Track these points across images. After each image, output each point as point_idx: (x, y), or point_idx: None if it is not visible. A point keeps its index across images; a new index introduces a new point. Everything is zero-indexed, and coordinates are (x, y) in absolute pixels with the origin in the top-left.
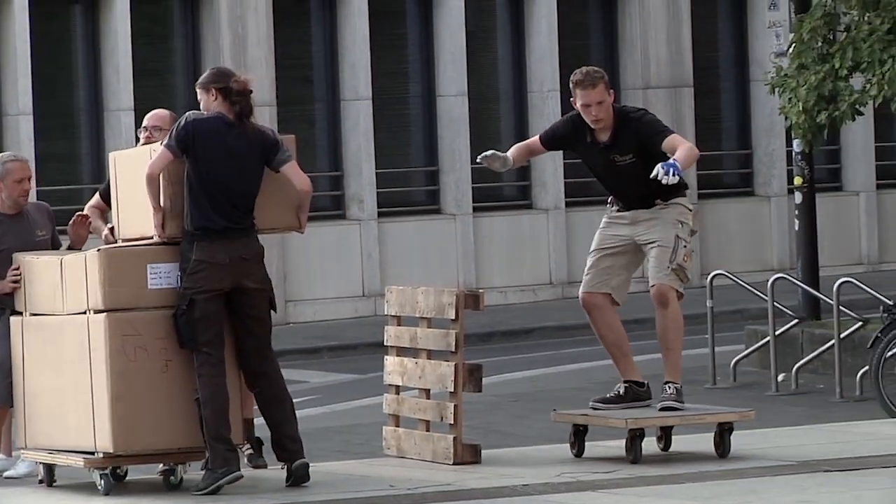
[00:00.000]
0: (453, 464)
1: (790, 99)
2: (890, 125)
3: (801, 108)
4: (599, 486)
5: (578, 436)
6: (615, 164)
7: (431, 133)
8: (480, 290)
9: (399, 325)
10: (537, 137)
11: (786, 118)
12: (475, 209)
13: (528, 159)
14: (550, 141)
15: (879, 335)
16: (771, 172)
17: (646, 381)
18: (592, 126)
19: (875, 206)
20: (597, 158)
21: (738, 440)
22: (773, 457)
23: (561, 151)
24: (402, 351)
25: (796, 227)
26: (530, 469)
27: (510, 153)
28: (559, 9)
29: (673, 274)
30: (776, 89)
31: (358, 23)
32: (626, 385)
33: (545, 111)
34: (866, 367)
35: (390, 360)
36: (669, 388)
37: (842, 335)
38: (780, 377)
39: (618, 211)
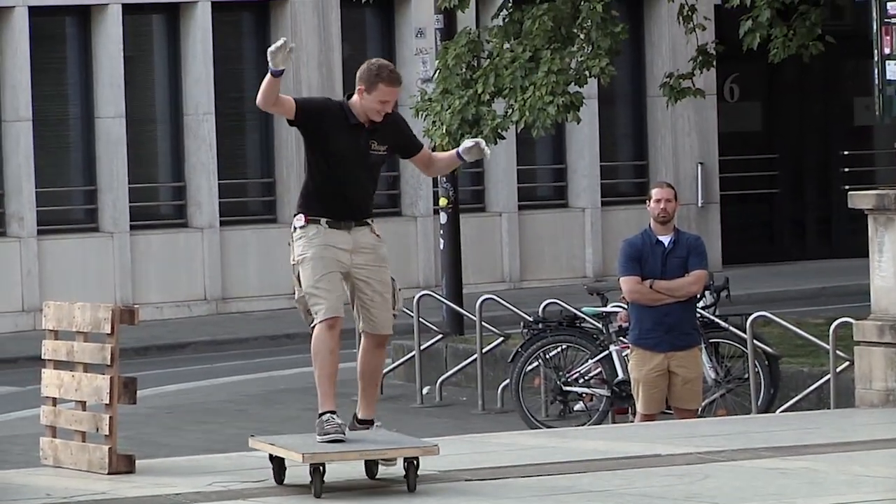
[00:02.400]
0: (108, 473)
1: (434, 122)
2: (531, 149)
3: (444, 131)
4: (248, 495)
5: (275, 460)
6: (368, 152)
7: (90, 154)
8: (136, 306)
9: (56, 339)
10: (290, 98)
11: (430, 140)
12: (132, 227)
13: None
14: (305, 104)
15: (520, 350)
16: (417, 193)
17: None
18: (376, 119)
19: (517, 227)
20: (351, 142)
21: None
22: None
23: None
24: (59, 364)
25: (441, 247)
26: (183, 478)
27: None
28: (214, 36)
29: (393, 318)
30: (420, 113)
31: (20, 45)
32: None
33: (200, 133)
34: (507, 381)
35: (47, 373)
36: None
37: (484, 350)
38: (425, 390)
39: (331, 227)
